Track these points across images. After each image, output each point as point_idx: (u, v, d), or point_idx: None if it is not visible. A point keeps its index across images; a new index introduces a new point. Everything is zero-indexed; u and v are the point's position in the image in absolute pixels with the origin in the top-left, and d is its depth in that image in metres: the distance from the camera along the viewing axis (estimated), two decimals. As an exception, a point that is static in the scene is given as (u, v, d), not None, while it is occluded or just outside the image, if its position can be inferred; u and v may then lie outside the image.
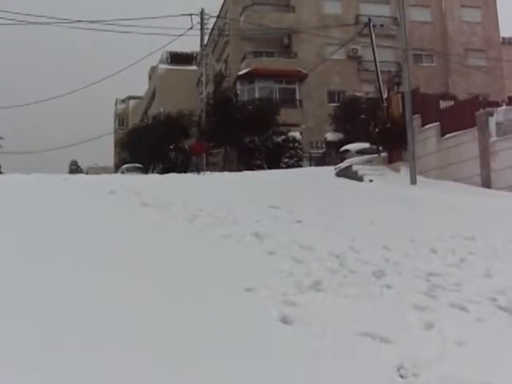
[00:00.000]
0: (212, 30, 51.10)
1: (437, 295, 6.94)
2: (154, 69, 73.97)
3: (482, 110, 24.54)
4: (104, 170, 61.12)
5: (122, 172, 40.02)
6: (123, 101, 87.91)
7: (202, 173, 31.34)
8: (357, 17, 50.03)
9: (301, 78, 49.07)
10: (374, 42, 38.48)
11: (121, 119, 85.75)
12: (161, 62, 70.02)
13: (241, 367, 4.40)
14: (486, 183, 23.10)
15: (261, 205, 14.95)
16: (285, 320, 5.61)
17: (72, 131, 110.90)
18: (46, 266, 6.55)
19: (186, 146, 41.25)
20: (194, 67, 64.99)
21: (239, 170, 34.73)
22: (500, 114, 24.44)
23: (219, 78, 49.70)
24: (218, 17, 50.59)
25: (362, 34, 41.14)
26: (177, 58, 70.03)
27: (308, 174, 28.22)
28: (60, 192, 15.32)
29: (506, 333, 5.78)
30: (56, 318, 4.84)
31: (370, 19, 39.38)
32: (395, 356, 4.87)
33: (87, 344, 4.38)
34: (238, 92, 45.86)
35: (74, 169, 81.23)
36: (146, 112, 70.96)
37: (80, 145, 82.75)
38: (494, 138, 23.50)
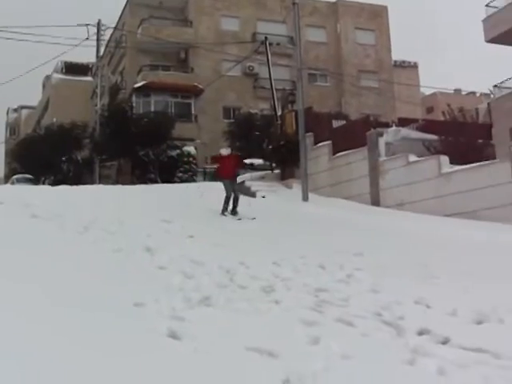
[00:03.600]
0: (108, 41, 50.50)
1: (324, 310, 7.04)
2: (47, 78, 72.43)
3: (372, 130, 25.19)
4: (-7, 181, 59.39)
5: (12, 183, 38.95)
6: (15, 110, 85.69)
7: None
8: (254, 34, 50.43)
9: (197, 92, 49.05)
10: (269, 60, 38.99)
11: (12, 129, 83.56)
12: (55, 71, 68.63)
13: (126, 381, 4.35)
14: (375, 201, 23.70)
15: (153, 219, 14.86)
16: (173, 335, 5.58)
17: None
18: None
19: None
20: (90, 78, 64.06)
21: (133, 183, 34.30)
22: (390, 135, 25.17)
23: (115, 90, 49.00)
24: (115, 28, 50.02)
25: (259, 52, 41.54)
26: (72, 69, 68.76)
27: (201, 189, 28.18)
28: None
29: (390, 347, 5.91)
30: None
31: (266, 37, 39.89)
32: (281, 370, 4.89)
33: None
34: (134, 105, 45.38)
35: (-39, 178, 78.05)
36: (38, 122, 69.37)
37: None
38: (383, 158, 24.15)
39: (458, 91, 70.30)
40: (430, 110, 66.66)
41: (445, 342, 6.07)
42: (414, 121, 31.79)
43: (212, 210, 18.78)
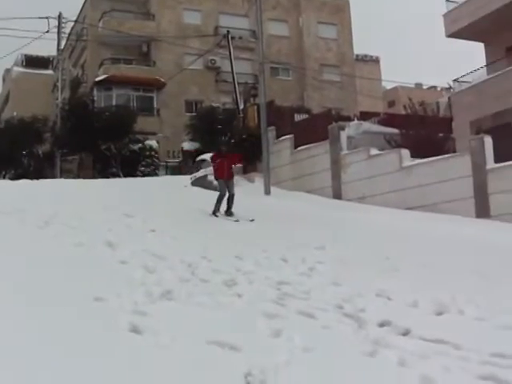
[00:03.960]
0: (69, 34, 50.00)
1: (286, 303, 7.07)
2: (8, 71, 71.53)
3: (334, 124, 25.29)
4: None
5: (-28, 177, 38.49)
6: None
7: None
8: (216, 28, 50.31)
9: (159, 86, 48.81)
10: (232, 54, 38.97)
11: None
12: (15, 64, 67.78)
13: (87, 378, 4.32)
14: (337, 194, 23.82)
15: (115, 213, 14.77)
16: (134, 329, 5.55)
17: None
18: None
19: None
20: (51, 71, 63.45)
21: (94, 177, 34.08)
22: (351, 129, 25.33)
23: (76, 84, 48.57)
24: (76, 21, 49.56)
25: (221, 46, 41.52)
26: (32, 62, 67.92)
27: (164, 182, 28.07)
28: None
29: (351, 339, 5.94)
30: None
31: (228, 31, 39.86)
32: (243, 363, 4.89)
33: None
34: (95, 98, 45.04)
35: None
36: (-2, 115, 68.52)
37: None
38: (344, 151, 24.28)
39: (419, 85, 70.89)
40: (391, 103, 67.16)
41: (405, 333, 6.14)
42: (376, 114, 32.06)
43: (173, 202, 18.73)
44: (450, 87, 34.72)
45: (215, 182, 23.83)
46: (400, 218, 18.50)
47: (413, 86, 64.17)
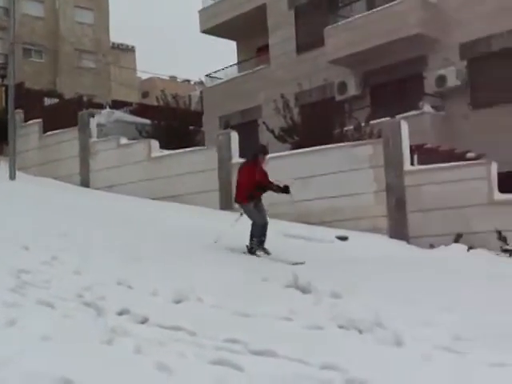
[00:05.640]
0: None
1: (26, 292, 6.91)
2: None
3: (84, 111, 25.02)
4: None
5: None
6: None
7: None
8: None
9: None
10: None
11: None
12: None
13: None
14: (85, 182, 23.61)
15: None
16: None
17: None
18: None
19: None
20: None
21: None
22: (103, 116, 25.19)
23: None
24: None
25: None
26: None
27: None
28: None
29: (89, 327, 5.94)
30: None
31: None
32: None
33: None
34: None
35: None
36: None
37: None
38: (94, 139, 24.09)
39: (173, 78, 71.87)
40: (145, 94, 67.52)
41: (144, 321, 6.24)
42: (128, 104, 32.19)
43: None
44: (201, 82, 35.67)
45: None
46: (145, 207, 18.79)
47: (167, 78, 64.98)
